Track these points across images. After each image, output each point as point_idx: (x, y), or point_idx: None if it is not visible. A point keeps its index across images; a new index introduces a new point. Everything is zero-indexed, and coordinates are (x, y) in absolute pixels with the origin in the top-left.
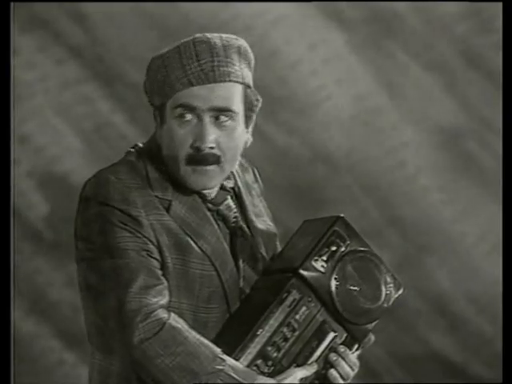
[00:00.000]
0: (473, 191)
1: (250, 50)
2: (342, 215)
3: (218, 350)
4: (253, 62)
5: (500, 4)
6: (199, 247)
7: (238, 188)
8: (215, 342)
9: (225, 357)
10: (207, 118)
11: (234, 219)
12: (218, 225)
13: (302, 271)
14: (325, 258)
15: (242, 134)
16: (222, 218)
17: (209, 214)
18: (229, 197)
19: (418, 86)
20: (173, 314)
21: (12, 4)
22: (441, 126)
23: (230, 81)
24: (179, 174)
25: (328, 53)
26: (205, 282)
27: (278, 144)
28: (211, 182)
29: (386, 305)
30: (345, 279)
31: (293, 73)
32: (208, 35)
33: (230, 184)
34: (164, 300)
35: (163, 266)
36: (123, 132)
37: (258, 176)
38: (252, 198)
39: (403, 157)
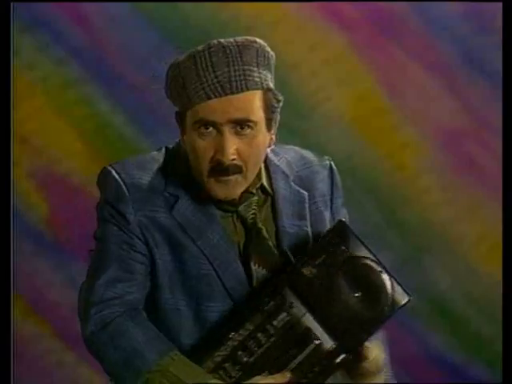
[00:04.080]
0: (473, 191)
1: (268, 49)
2: (342, 219)
3: (168, 348)
4: (273, 59)
5: (500, 4)
6: (197, 246)
7: (273, 191)
8: (206, 339)
9: (176, 356)
10: (227, 130)
11: (252, 220)
12: (235, 225)
13: (287, 276)
14: (316, 263)
15: (264, 140)
16: (240, 218)
17: (217, 213)
18: (252, 198)
19: (418, 86)
20: (132, 309)
21: (12, 4)
22: (441, 126)
23: (248, 89)
24: (204, 184)
25: (328, 54)
26: (203, 281)
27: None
28: (235, 192)
29: (385, 314)
30: (336, 286)
31: (293, 74)
32: (223, 42)
33: (256, 186)
34: (131, 295)
35: (152, 263)
36: (123, 133)
37: (328, 173)
38: (299, 201)
39: (403, 158)
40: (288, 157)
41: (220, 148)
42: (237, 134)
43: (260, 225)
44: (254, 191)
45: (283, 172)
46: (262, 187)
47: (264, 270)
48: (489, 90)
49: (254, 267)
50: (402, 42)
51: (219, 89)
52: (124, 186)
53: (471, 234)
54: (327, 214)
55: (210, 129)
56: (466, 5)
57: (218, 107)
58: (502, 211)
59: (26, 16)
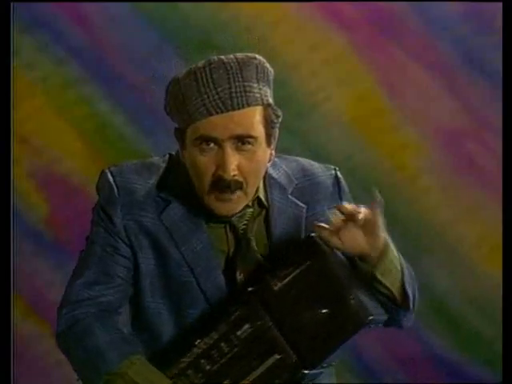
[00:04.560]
0: (473, 192)
1: (267, 65)
2: (313, 235)
3: (131, 352)
4: (272, 75)
5: (500, 4)
6: (180, 252)
7: (268, 204)
8: (178, 345)
9: (137, 360)
10: (228, 146)
11: (243, 231)
12: (227, 235)
13: (256, 288)
14: (283, 277)
15: (264, 155)
16: (232, 229)
17: (205, 221)
18: (248, 210)
19: (418, 86)
20: (103, 311)
21: (12, 4)
22: (441, 126)
23: (249, 105)
24: (204, 201)
25: (328, 54)
26: (183, 288)
27: (278, 145)
28: (236, 208)
29: (348, 332)
30: (302, 301)
31: (293, 74)
32: (223, 58)
33: (253, 198)
34: (106, 297)
35: (136, 267)
36: (123, 133)
37: (333, 183)
38: (296, 214)
39: (403, 158)
40: (288, 169)
41: (221, 164)
42: (237, 149)
43: (250, 235)
44: (251, 203)
45: (280, 185)
46: (259, 200)
47: (250, 281)
48: (489, 90)
49: (238, 277)
50: (402, 42)
51: (220, 105)
52: (116, 189)
53: (471, 235)
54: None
55: (211, 145)
56: (465, 5)
57: (219, 123)
58: (502, 211)
59: (26, 16)
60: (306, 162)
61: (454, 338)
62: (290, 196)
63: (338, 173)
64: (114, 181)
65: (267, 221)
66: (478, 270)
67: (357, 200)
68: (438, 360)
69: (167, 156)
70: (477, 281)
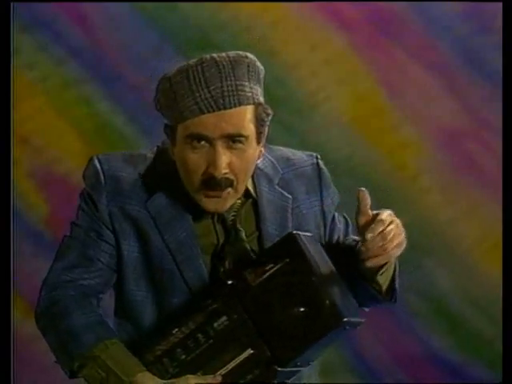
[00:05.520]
0: (473, 192)
1: (258, 64)
2: (294, 232)
3: (106, 336)
4: (262, 74)
5: (500, 4)
6: (163, 240)
7: (257, 195)
8: (154, 332)
9: (112, 344)
10: (219, 145)
11: (231, 222)
12: (215, 226)
13: (234, 281)
14: (261, 273)
15: (253, 153)
16: (221, 219)
17: (192, 211)
18: (236, 201)
19: (418, 86)
20: (82, 294)
21: (12, 4)
22: (441, 126)
23: (241, 105)
24: (194, 196)
25: (328, 54)
26: (165, 276)
27: (277, 145)
28: (225, 205)
29: (317, 334)
30: (278, 298)
31: (292, 73)
32: (215, 57)
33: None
34: (86, 281)
35: (119, 254)
36: (123, 133)
37: (315, 173)
38: (283, 205)
39: (403, 158)
40: (273, 159)
41: (212, 162)
42: (228, 148)
43: (239, 226)
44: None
45: (267, 175)
46: (247, 191)
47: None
48: (489, 90)
49: (228, 267)
50: (402, 42)
51: (213, 104)
52: (102, 176)
53: (471, 234)
54: (312, 217)
55: (202, 142)
56: (465, 5)
57: (210, 122)
58: (501, 211)
59: (26, 16)
60: (289, 151)
61: (454, 338)
62: (276, 187)
63: (320, 161)
64: (102, 168)
65: (256, 212)
66: (477, 269)
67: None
68: (438, 360)
69: (155, 148)
70: (477, 281)
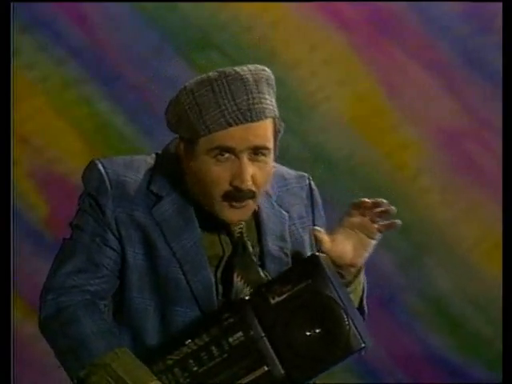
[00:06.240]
0: (472, 192)
1: (273, 77)
2: (317, 254)
3: (116, 344)
4: (275, 88)
5: (500, 4)
6: (170, 248)
7: (259, 209)
8: (164, 341)
9: (122, 352)
10: (245, 157)
11: (239, 234)
12: (219, 236)
13: (252, 297)
14: (281, 292)
15: (271, 165)
16: (226, 230)
17: (195, 220)
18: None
19: (418, 86)
20: (89, 300)
21: (12, 4)
22: (441, 126)
23: (266, 117)
24: (213, 208)
25: (328, 54)
26: (171, 284)
27: (277, 145)
28: (246, 215)
29: (336, 357)
30: (296, 318)
31: (293, 74)
32: (238, 70)
33: None
34: (92, 287)
35: (124, 260)
36: (123, 133)
37: (307, 194)
38: (281, 222)
39: (403, 158)
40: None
41: (238, 174)
42: (252, 160)
43: (246, 239)
44: None
45: (266, 191)
46: None
47: (244, 284)
48: (489, 90)
49: (236, 279)
50: (402, 42)
51: (240, 116)
52: (108, 181)
53: (471, 234)
54: (306, 237)
55: (227, 155)
56: (465, 5)
57: (237, 134)
58: (501, 211)
59: (26, 16)
60: (283, 169)
61: (453, 338)
62: (274, 203)
63: (312, 182)
64: (106, 172)
65: (259, 229)
66: (477, 269)
67: (356, 199)
68: (437, 360)
69: (153, 154)
70: (477, 281)
